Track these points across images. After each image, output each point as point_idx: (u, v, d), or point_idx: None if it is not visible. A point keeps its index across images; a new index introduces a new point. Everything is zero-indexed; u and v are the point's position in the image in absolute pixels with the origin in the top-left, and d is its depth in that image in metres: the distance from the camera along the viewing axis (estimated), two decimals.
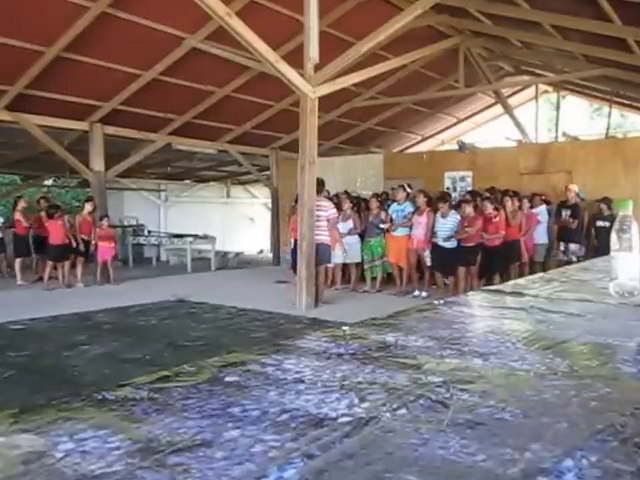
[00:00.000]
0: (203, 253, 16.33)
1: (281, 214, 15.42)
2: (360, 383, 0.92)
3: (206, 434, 0.71)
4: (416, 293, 10.58)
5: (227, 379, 0.94)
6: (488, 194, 10.96)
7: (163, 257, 17.74)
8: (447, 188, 12.80)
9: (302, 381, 0.93)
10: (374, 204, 11.26)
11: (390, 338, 1.21)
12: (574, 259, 10.55)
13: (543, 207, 11.25)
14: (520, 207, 10.74)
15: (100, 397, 0.83)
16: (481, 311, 1.57)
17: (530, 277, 2.39)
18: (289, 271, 11.72)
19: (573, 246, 10.86)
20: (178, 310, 9.37)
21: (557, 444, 0.69)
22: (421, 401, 0.83)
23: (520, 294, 1.84)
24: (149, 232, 17.83)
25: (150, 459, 0.63)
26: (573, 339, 1.21)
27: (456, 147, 13.70)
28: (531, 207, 11.10)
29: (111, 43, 10.13)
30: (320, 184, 9.60)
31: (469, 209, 10.06)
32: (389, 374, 0.96)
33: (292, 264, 11.13)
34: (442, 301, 1.66)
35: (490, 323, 1.39)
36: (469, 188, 12.50)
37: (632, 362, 1.05)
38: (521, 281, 2.25)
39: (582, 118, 26.73)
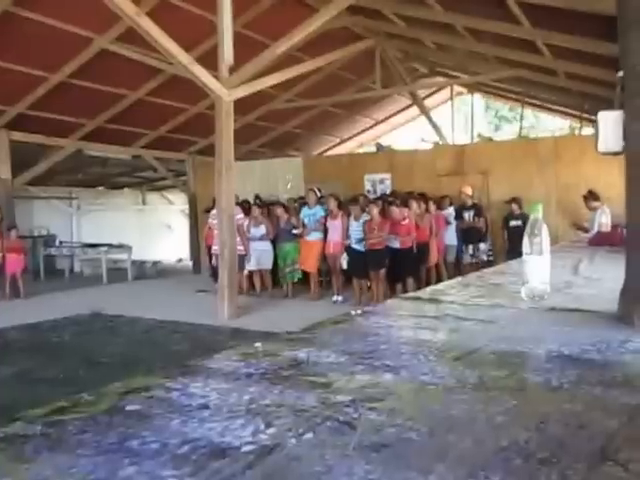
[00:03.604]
0: (119, 263, 15.92)
1: (200, 220, 15.21)
2: (268, 406, 0.90)
3: (100, 473, 0.69)
4: (334, 298, 10.68)
5: (128, 408, 0.91)
6: (392, 198, 11.09)
7: (77, 268, 17.23)
8: (367, 191, 12.93)
9: (207, 407, 0.91)
10: (279, 211, 11.32)
11: (302, 354, 1.20)
12: (485, 258, 10.89)
13: (451, 209, 11.55)
14: (427, 209, 10.94)
15: None
16: (397, 321, 1.58)
17: (449, 282, 2.44)
18: (210, 280, 11.60)
19: (483, 245, 11.21)
20: (93, 324, 9.13)
21: (461, 464, 0.69)
22: (328, 423, 0.82)
23: (437, 301, 1.87)
24: (61, 242, 17.29)
25: None
26: (484, 348, 1.24)
27: (374, 149, 13.87)
28: (439, 208, 11.35)
29: (15, 44, 9.75)
30: None
31: (375, 210, 10.12)
32: (298, 394, 0.95)
33: (211, 272, 11.04)
34: (359, 311, 1.66)
35: (404, 334, 1.40)
36: (388, 190, 12.69)
37: (540, 371, 1.08)
38: (440, 287, 2.29)
39: (496, 119, 27.56)
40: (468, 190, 11.41)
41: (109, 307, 10.00)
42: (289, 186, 14.02)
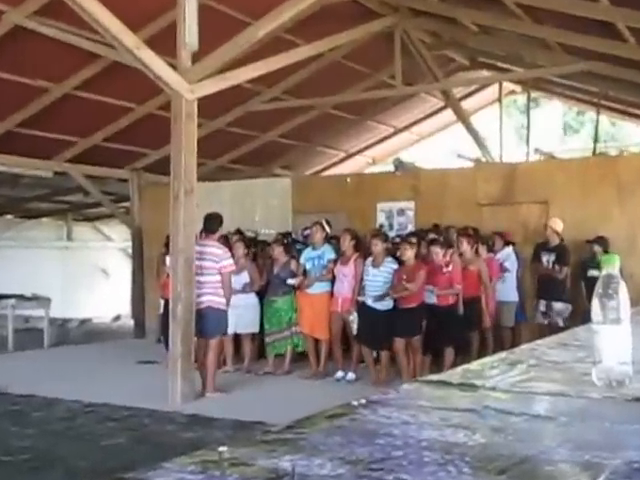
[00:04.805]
0: (32, 322, 15.89)
1: (147, 264, 15.20)
2: None
3: None
4: (339, 375, 10.45)
5: None
6: (435, 235, 10.87)
7: None
8: (380, 225, 12.87)
9: None
10: (277, 251, 11.16)
11: (285, 463, 1.19)
12: (560, 323, 10.49)
13: (510, 249, 11.40)
14: (477, 251, 10.66)
15: None
16: (417, 415, 1.58)
17: (488, 359, 2.43)
18: (158, 346, 11.56)
19: (559, 305, 10.87)
20: None
21: None
22: None
23: (472, 386, 1.87)
24: None
25: None
26: (539, 455, 1.23)
27: (392, 168, 13.91)
28: (490, 250, 11.17)
29: None
30: (216, 222, 9.51)
31: (410, 253, 9.84)
32: None
33: (162, 335, 10.94)
34: (362, 401, 1.66)
35: (428, 434, 1.39)
36: (411, 227, 12.61)
37: None
38: (475, 366, 2.28)
39: (560, 128, 27.74)
40: (558, 225, 11.16)
41: (16, 384, 9.95)
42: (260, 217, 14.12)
